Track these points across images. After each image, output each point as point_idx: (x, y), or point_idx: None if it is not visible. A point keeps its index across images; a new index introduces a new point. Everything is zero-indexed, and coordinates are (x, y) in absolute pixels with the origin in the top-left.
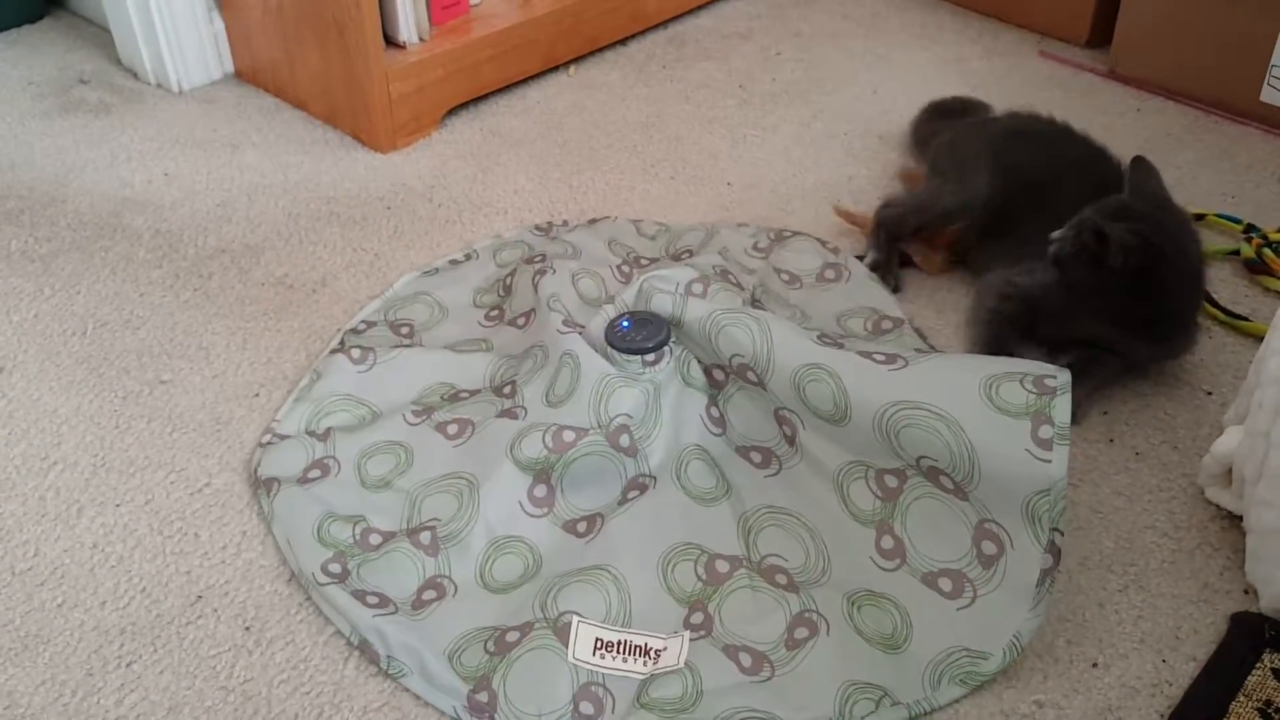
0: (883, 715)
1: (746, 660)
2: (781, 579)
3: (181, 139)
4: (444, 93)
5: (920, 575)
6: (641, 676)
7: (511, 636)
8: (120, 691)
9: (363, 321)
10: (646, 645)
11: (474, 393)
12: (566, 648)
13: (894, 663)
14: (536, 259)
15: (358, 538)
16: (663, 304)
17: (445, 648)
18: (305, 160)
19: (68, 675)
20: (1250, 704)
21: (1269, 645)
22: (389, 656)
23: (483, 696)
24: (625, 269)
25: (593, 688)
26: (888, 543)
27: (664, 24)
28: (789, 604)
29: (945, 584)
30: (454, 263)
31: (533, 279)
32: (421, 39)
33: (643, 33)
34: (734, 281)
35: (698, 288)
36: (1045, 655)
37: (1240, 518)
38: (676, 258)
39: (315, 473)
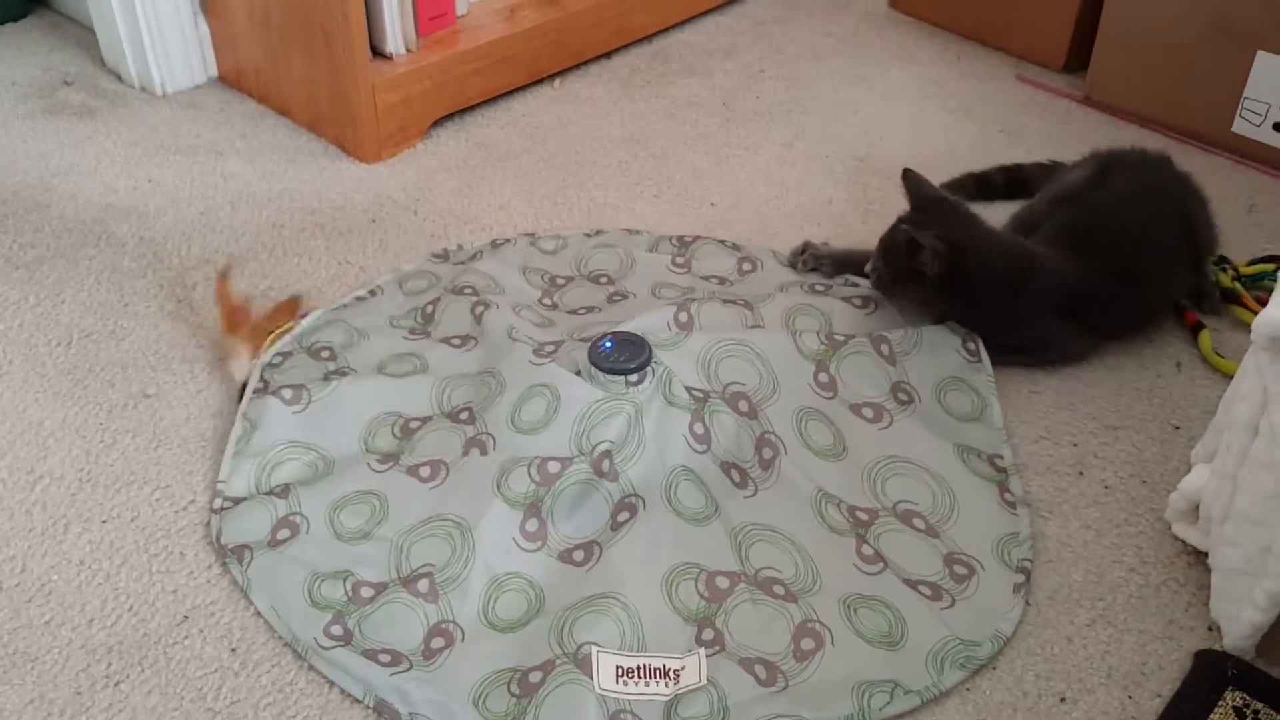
0: (897, 704)
1: (762, 672)
2: (779, 590)
3: (165, 144)
4: (430, 104)
5: (902, 579)
6: (666, 698)
7: (535, 676)
8: (108, 712)
9: (278, 355)
10: (665, 666)
11: (425, 420)
12: (592, 679)
13: (897, 658)
14: (466, 290)
15: (350, 593)
16: (658, 339)
17: (469, 694)
18: (289, 169)
19: (56, 694)
20: None
21: (1231, 683)
22: (412, 714)
23: None
24: (548, 301)
25: (622, 715)
26: (867, 550)
27: (648, 38)
28: (790, 613)
29: (925, 589)
30: (360, 299)
31: (473, 309)
32: (408, 50)
33: (626, 47)
34: (703, 295)
35: (683, 316)
36: (1014, 688)
37: (1206, 554)
38: (595, 281)
39: (284, 532)
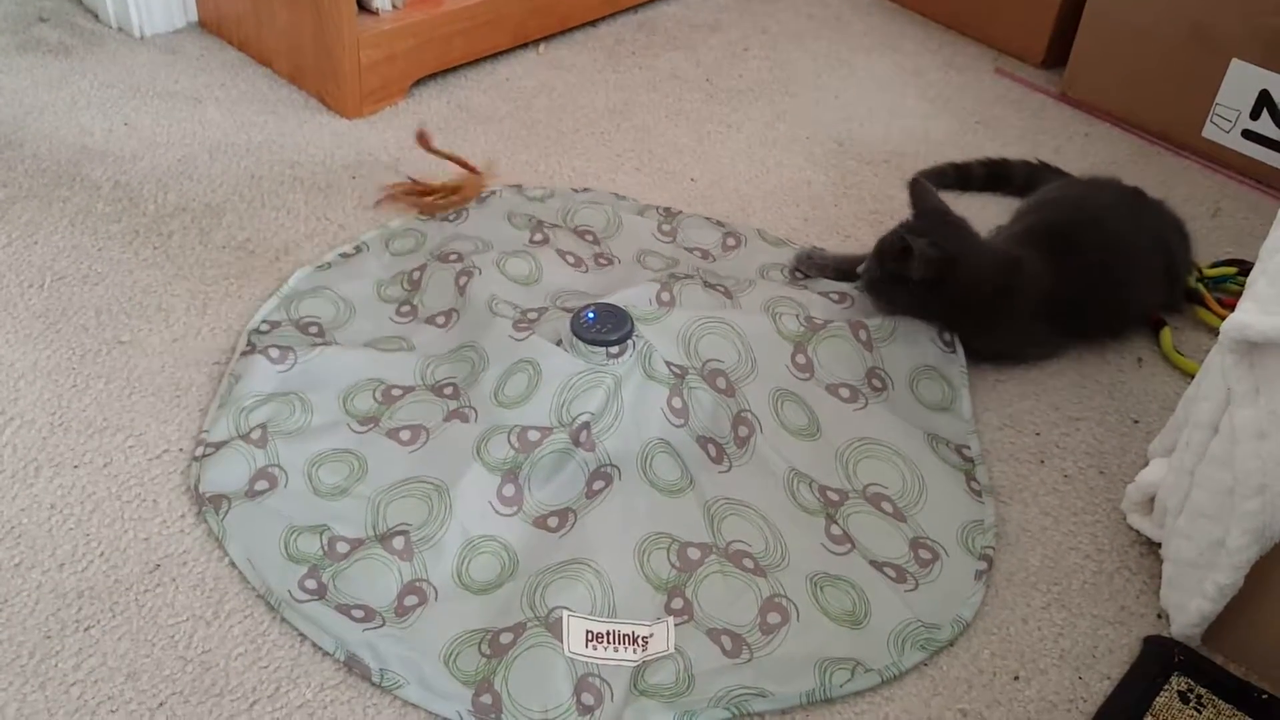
0: (858, 681)
1: (728, 643)
2: (749, 563)
3: (143, 88)
4: (413, 62)
5: (868, 560)
6: (634, 664)
7: (505, 638)
8: (78, 656)
9: (265, 321)
10: (634, 633)
11: (407, 389)
12: (561, 643)
13: (860, 636)
14: (451, 257)
15: (326, 548)
16: (639, 312)
17: (439, 653)
18: (269, 120)
19: (25, 636)
20: None
21: (1177, 669)
22: (382, 670)
23: (486, 699)
24: (538, 238)
25: (590, 679)
26: (836, 530)
27: (634, 8)
28: (759, 587)
29: (890, 571)
30: (345, 256)
31: (456, 279)
32: (395, 6)
33: (613, 15)
34: (685, 273)
35: (665, 295)
36: (970, 665)
37: (1159, 545)
38: (580, 235)
39: (263, 484)
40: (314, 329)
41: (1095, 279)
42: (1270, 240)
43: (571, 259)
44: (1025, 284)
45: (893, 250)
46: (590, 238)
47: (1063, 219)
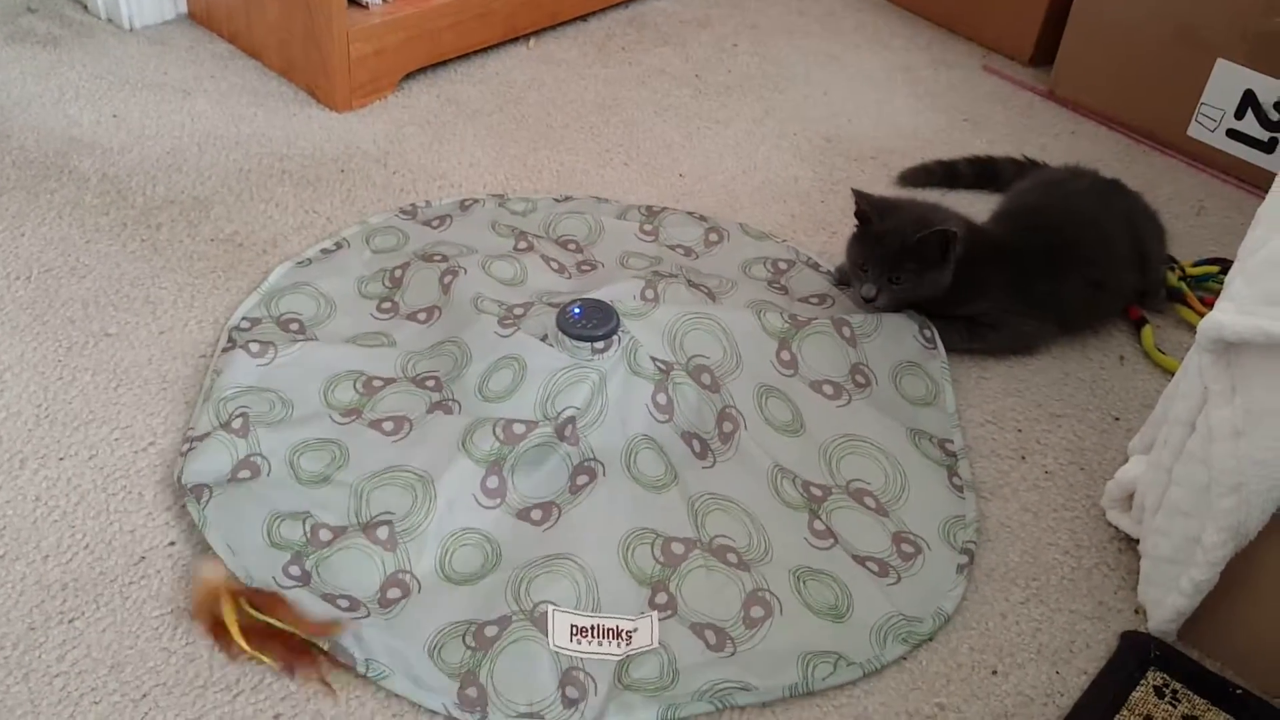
0: (840, 675)
1: (712, 638)
2: (733, 558)
3: (131, 80)
4: (403, 56)
5: (851, 555)
6: (618, 657)
7: (490, 631)
8: (62, 647)
9: (245, 319)
10: (618, 627)
11: (388, 381)
12: (546, 636)
13: (842, 630)
14: (436, 258)
15: (309, 535)
16: (625, 308)
17: (425, 644)
18: (259, 113)
19: (8, 628)
20: (1133, 718)
21: (1153, 664)
22: (368, 660)
23: (472, 692)
24: (522, 245)
25: (574, 672)
26: (819, 525)
27: (625, 3)
28: (743, 581)
29: (873, 565)
30: (326, 252)
31: (441, 278)
32: (384, 0)
33: (603, 10)
34: (669, 272)
35: (650, 293)
36: (949, 659)
37: (1137, 541)
38: (563, 245)
39: (245, 473)
40: (294, 326)
41: (1062, 254)
42: (1248, 240)
43: (555, 265)
44: (989, 241)
45: (928, 246)
46: (573, 246)
47: (1033, 201)
